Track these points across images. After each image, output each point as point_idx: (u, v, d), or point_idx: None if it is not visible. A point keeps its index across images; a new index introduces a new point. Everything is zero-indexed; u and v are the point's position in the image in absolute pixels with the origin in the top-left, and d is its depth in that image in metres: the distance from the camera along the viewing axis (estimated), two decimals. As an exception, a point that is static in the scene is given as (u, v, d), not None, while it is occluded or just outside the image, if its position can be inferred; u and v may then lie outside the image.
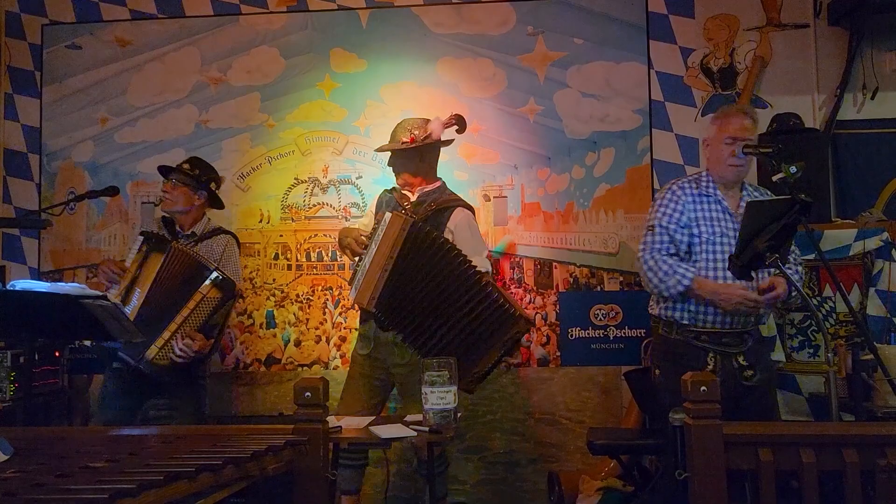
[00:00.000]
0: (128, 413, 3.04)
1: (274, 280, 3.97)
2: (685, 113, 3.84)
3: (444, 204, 3.06)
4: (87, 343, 3.03)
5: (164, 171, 3.28)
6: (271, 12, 4.04)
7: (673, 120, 3.81)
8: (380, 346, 3.04)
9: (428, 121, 3.12)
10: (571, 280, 3.81)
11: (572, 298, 3.81)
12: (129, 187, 4.04)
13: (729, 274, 2.67)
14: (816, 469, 1.86)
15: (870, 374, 2.94)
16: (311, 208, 3.96)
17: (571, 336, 3.81)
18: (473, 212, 3.16)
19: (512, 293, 3.84)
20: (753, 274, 2.61)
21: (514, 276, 3.86)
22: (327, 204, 3.98)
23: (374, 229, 2.85)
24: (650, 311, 2.93)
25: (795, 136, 3.42)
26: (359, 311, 3.12)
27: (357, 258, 2.92)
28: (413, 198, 3.11)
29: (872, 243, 3.19)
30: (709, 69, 3.86)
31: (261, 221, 4.00)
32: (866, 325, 3.08)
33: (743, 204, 2.73)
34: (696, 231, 2.77)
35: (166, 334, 2.89)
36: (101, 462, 1.52)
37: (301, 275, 3.90)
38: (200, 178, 3.25)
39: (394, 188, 3.19)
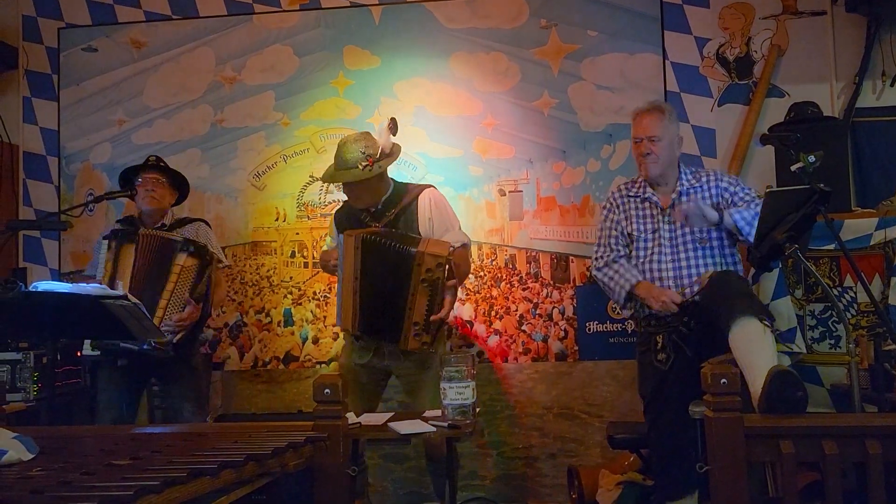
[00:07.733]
0: (130, 406, 3.10)
1: (291, 278, 3.99)
2: (701, 103, 3.80)
3: (408, 199, 2.98)
4: (91, 351, 3.06)
5: (133, 171, 3.26)
6: (284, 11, 4.05)
7: (689, 111, 3.78)
8: (383, 356, 2.97)
9: (368, 134, 2.96)
10: (588, 274, 3.80)
11: (589, 292, 3.79)
12: (147, 188, 4.07)
13: (661, 269, 2.78)
14: (839, 461, 1.85)
15: (892, 365, 2.90)
16: (326, 206, 3.96)
17: (589, 330, 3.80)
18: (434, 188, 3.11)
19: (529, 288, 3.84)
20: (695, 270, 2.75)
21: (531, 270, 3.85)
22: (343, 201, 3.98)
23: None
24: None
25: (814, 125, 3.38)
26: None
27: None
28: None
29: (894, 232, 3.14)
30: (725, 59, 3.82)
31: (277, 220, 4.02)
32: (888, 315, 3.04)
33: (674, 198, 2.85)
34: (629, 230, 2.91)
35: (160, 312, 2.96)
36: (124, 460, 1.54)
37: (318, 272, 3.91)
38: (172, 171, 3.29)
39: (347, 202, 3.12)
